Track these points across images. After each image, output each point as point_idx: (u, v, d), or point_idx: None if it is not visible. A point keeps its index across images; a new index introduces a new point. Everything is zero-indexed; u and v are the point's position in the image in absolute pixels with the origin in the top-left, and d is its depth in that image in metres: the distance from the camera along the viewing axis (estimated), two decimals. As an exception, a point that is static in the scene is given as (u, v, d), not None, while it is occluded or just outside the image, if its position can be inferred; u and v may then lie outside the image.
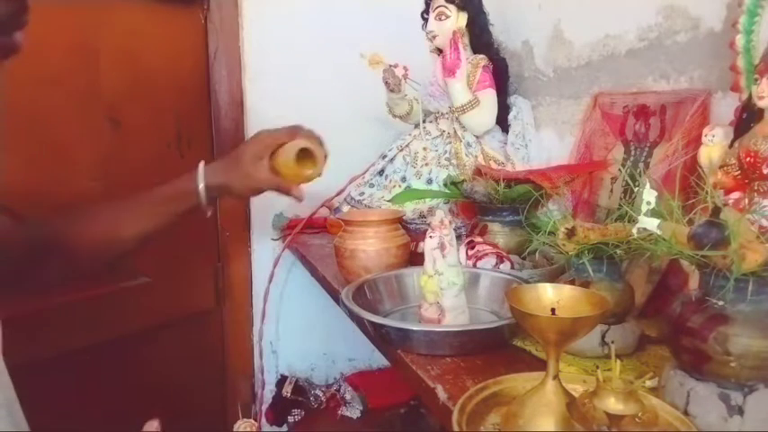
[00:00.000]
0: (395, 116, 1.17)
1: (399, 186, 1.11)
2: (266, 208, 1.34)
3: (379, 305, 0.74)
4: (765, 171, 0.56)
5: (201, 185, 0.87)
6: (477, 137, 1.09)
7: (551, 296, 0.49)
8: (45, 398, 0.96)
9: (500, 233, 0.85)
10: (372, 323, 0.64)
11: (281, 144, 0.89)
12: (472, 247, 0.80)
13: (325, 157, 0.88)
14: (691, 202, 0.51)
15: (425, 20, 1.09)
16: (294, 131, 0.90)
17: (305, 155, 0.87)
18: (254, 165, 0.89)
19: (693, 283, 0.52)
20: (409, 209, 1.05)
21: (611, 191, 0.88)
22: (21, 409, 0.49)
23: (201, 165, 0.89)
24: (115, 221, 0.85)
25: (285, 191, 0.91)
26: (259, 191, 0.91)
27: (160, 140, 1.18)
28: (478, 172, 0.92)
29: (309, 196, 1.16)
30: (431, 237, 0.64)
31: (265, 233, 1.34)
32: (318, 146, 0.89)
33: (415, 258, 0.86)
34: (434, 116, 1.14)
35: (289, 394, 1.35)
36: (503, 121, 1.11)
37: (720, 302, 0.44)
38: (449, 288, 0.64)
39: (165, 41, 1.19)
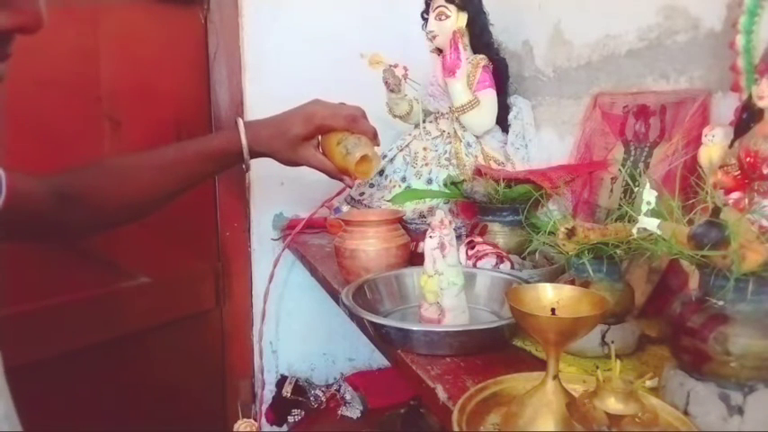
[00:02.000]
0: (395, 116, 1.17)
1: (399, 186, 1.11)
2: (266, 208, 1.34)
3: (379, 305, 0.74)
4: (765, 171, 0.56)
5: (246, 147, 0.86)
6: (477, 137, 1.09)
7: (551, 296, 0.49)
8: (45, 398, 0.96)
9: (500, 233, 0.85)
10: (372, 323, 0.64)
11: (331, 128, 0.89)
12: (472, 247, 0.79)
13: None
14: (691, 202, 0.51)
15: (425, 20, 1.09)
16: (352, 120, 0.90)
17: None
18: (301, 144, 0.89)
19: (693, 283, 0.52)
20: (409, 209, 1.05)
21: (611, 191, 0.88)
22: (17, 418, 0.48)
23: (241, 124, 0.88)
24: (145, 179, 0.84)
25: (334, 177, 0.92)
26: (302, 165, 0.91)
27: (160, 140, 1.18)
28: (478, 172, 0.92)
29: (309, 196, 1.17)
30: (431, 237, 0.64)
31: (265, 233, 1.34)
32: (374, 145, 0.91)
33: (415, 258, 0.86)
34: (434, 116, 1.14)
35: (289, 394, 1.35)
36: (503, 121, 1.11)
37: (720, 302, 0.44)
38: (449, 288, 0.64)
39: (165, 41, 1.19)
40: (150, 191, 0.84)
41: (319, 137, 0.94)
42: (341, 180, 0.94)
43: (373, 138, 0.94)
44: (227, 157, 0.88)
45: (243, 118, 1.28)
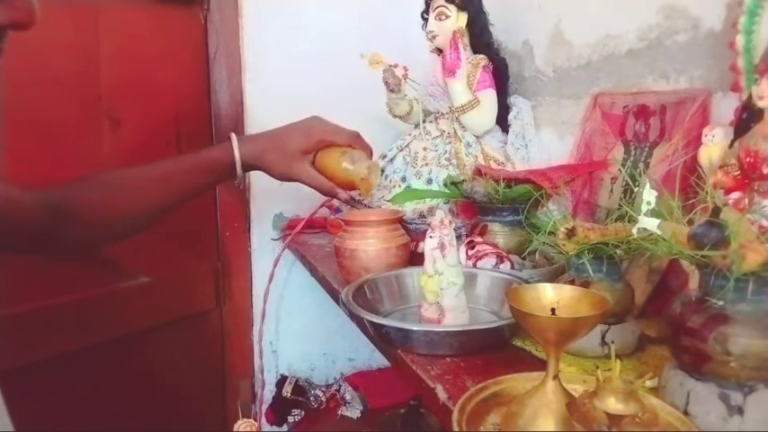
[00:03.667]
0: (395, 116, 1.17)
1: (399, 186, 1.11)
2: (266, 208, 1.34)
3: (379, 305, 0.74)
4: (765, 171, 0.56)
5: (238, 160, 0.85)
6: (477, 137, 1.09)
7: (551, 296, 0.49)
8: (45, 398, 0.96)
9: (500, 233, 0.85)
10: (372, 323, 0.64)
11: (331, 144, 0.89)
12: (472, 247, 0.79)
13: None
14: (691, 202, 0.51)
15: (425, 20, 1.09)
16: (356, 137, 0.91)
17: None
18: (297, 159, 0.89)
19: (693, 283, 0.52)
20: (409, 209, 1.05)
21: (611, 191, 0.88)
22: (8, 417, 0.48)
23: (234, 138, 0.87)
24: (142, 192, 0.83)
25: (327, 194, 0.91)
26: (295, 181, 0.90)
27: (160, 140, 1.18)
28: (478, 172, 0.92)
29: (309, 196, 1.17)
30: (431, 237, 0.64)
31: (265, 233, 1.34)
32: (372, 160, 0.92)
33: (415, 258, 0.86)
34: (434, 116, 1.14)
35: (289, 394, 1.35)
36: (503, 121, 1.11)
37: (720, 302, 0.44)
38: (449, 288, 0.64)
39: (165, 41, 1.19)
40: (146, 203, 0.83)
41: (313, 155, 0.92)
42: (334, 196, 0.93)
43: (370, 157, 0.95)
44: (223, 170, 0.88)
45: (243, 118, 1.30)
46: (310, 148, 0.90)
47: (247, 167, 0.89)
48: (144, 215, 0.85)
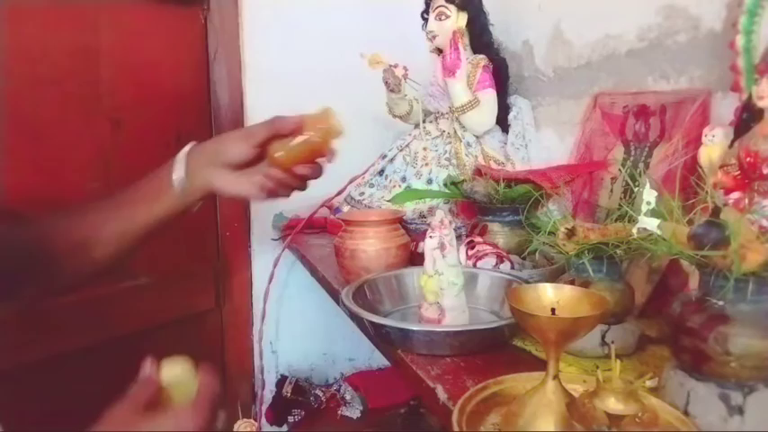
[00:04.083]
0: (395, 116, 1.17)
1: (399, 186, 1.11)
2: (266, 208, 1.34)
3: (379, 305, 0.74)
4: (765, 171, 0.56)
5: (177, 176, 0.68)
6: (477, 137, 1.09)
7: (551, 296, 0.49)
8: (44, 398, 0.96)
9: (500, 233, 0.85)
10: (372, 323, 0.64)
11: (270, 138, 0.72)
12: (472, 247, 0.79)
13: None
14: (691, 202, 0.51)
15: (425, 20, 1.09)
16: (273, 128, 0.72)
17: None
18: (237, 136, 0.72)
19: (693, 283, 0.52)
20: (409, 209, 1.05)
21: (611, 191, 0.88)
22: None
23: (183, 150, 0.71)
24: (95, 222, 0.70)
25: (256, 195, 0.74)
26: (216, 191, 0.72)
27: (160, 141, 1.18)
28: (478, 172, 0.92)
29: (309, 196, 1.17)
30: (431, 237, 0.64)
31: (265, 233, 1.34)
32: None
33: (415, 258, 0.86)
34: (434, 116, 1.14)
35: (289, 394, 1.35)
36: (503, 121, 1.11)
37: (720, 302, 0.44)
38: (449, 288, 0.64)
39: (165, 41, 1.19)
40: (93, 236, 0.69)
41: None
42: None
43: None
44: (161, 191, 0.70)
45: (243, 118, 1.30)
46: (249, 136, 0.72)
47: (193, 179, 0.70)
48: (99, 250, 0.70)
